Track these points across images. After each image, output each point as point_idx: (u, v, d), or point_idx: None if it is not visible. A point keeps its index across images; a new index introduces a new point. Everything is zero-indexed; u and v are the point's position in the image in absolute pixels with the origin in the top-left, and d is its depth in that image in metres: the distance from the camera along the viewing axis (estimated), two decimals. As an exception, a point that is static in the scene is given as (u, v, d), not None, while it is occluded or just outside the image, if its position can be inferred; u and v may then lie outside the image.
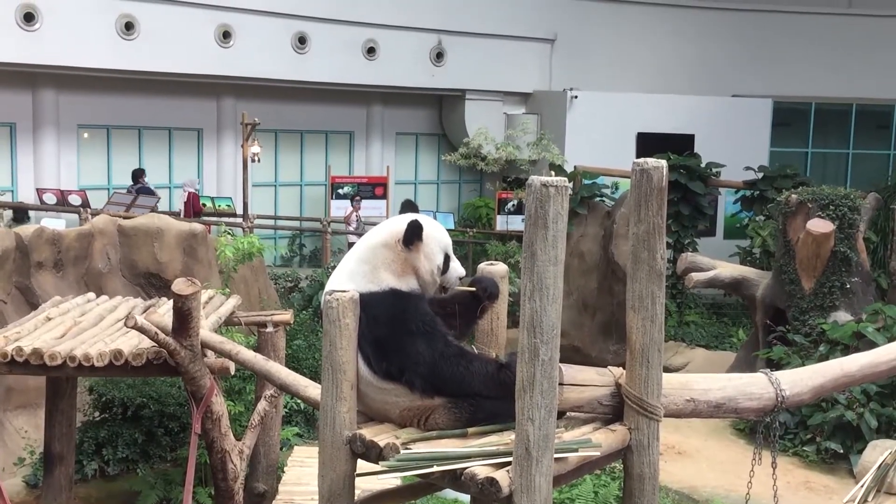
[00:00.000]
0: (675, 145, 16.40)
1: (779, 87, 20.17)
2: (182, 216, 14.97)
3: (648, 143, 17.61)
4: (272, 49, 16.78)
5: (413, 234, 3.50)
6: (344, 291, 3.37)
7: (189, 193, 16.31)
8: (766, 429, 3.93)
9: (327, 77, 17.50)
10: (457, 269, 3.65)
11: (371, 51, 17.99)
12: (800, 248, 11.03)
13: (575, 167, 15.50)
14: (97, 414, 9.60)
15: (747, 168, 15.99)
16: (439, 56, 18.78)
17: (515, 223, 17.15)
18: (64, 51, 14.67)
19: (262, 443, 8.54)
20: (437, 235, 3.60)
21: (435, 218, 16.73)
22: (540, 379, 2.96)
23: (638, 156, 14.28)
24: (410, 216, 3.59)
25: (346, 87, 18.14)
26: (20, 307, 9.65)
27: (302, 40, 17.22)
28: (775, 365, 10.08)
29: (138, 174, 16.22)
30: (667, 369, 3.59)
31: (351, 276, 3.48)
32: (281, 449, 9.18)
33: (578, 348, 13.51)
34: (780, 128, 20.51)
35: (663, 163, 3.30)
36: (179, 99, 16.96)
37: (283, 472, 8.10)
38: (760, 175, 15.81)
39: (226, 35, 16.36)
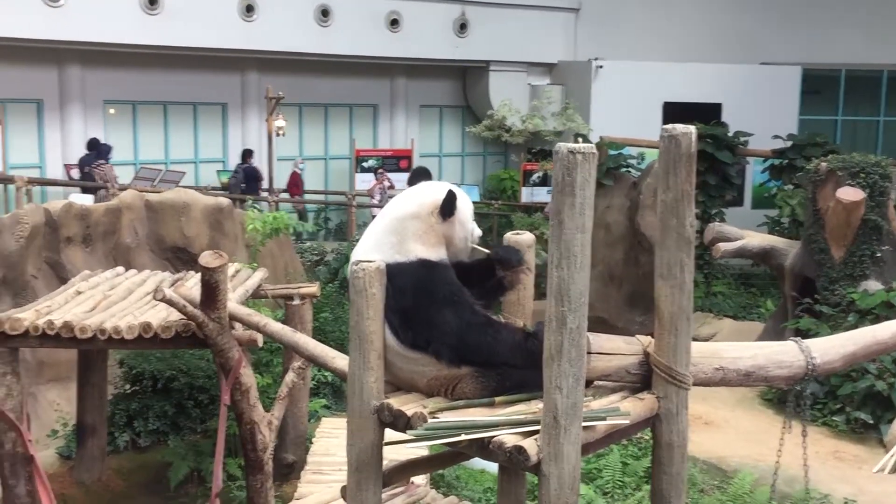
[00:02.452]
0: (702, 114, 16.17)
1: (808, 53, 19.83)
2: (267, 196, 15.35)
3: (675, 113, 17.38)
4: (295, 22, 16.75)
5: (451, 205, 3.50)
6: (370, 262, 3.36)
7: (293, 172, 16.52)
8: (795, 398, 3.89)
9: (351, 50, 17.45)
10: (477, 230, 3.67)
11: (394, 23, 17.89)
12: (829, 216, 10.89)
13: (601, 138, 15.38)
14: (128, 386, 9.71)
15: (776, 137, 15.79)
16: (463, 27, 18.65)
17: (541, 195, 17.08)
18: (89, 27, 14.72)
19: (291, 414, 8.62)
20: (466, 201, 3.60)
21: (460, 190, 16.69)
22: (567, 347, 2.94)
23: (664, 125, 14.07)
24: (436, 185, 3.57)
25: (370, 60, 18.08)
26: (50, 282, 9.76)
27: (325, 13, 17.16)
28: (804, 335, 9.99)
29: (247, 154, 16.31)
30: (694, 339, 3.57)
31: (378, 247, 3.46)
32: (309, 420, 9.26)
33: (604, 319, 13.47)
34: (810, 95, 20.20)
35: (692, 129, 3.25)
36: (204, 74, 16.99)
37: (312, 442, 8.16)
38: (789, 144, 15.60)
39: (249, 9, 16.34)
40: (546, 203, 15.64)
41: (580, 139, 14.84)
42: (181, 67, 16.70)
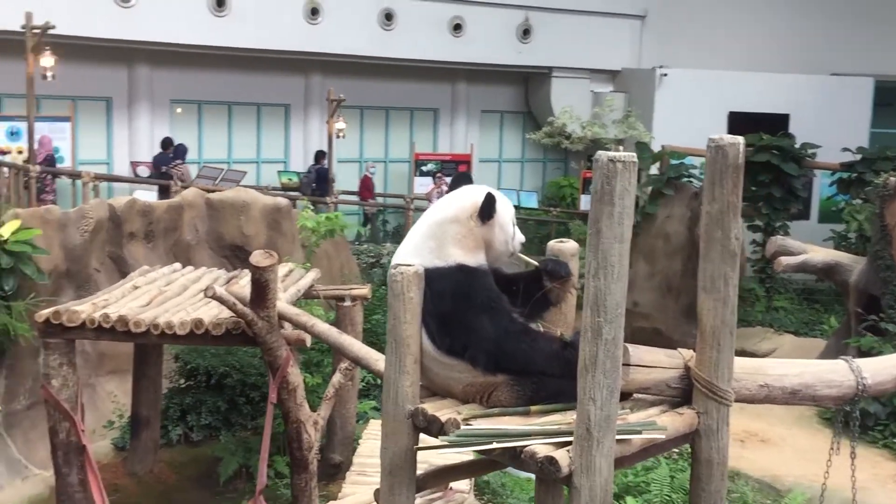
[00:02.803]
0: (768, 125, 15.89)
1: (881, 64, 19.26)
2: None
3: (740, 123, 17.09)
4: (359, 26, 16.90)
5: (490, 208, 3.46)
6: (409, 265, 3.35)
7: (365, 175, 16.76)
8: (844, 418, 3.77)
9: (413, 54, 17.53)
10: (520, 235, 3.61)
11: (457, 27, 17.93)
12: (897, 233, 10.57)
13: (662, 147, 15.18)
14: (182, 381, 9.89)
15: (845, 149, 15.39)
16: (526, 33, 18.59)
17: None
18: (158, 28, 15.07)
19: (339, 415, 8.68)
20: (506, 205, 3.56)
21: (518, 197, 16.65)
22: (602, 358, 2.89)
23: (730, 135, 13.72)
24: (475, 189, 3.54)
25: (432, 64, 18.14)
26: (112, 276, 9.98)
27: (389, 17, 17.28)
28: (866, 354, 9.70)
29: (320, 156, 16.61)
30: (753, 355, 3.49)
31: (417, 252, 3.45)
32: (357, 422, 9.31)
33: (661, 331, 13.28)
34: (882, 108, 19.63)
35: (740, 139, 3.18)
36: (268, 75, 17.24)
37: (359, 444, 8.20)
38: (859, 157, 15.17)
39: (314, 12, 16.54)
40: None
41: (620, 147, 14.67)
42: (246, 68, 16.97)
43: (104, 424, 9.60)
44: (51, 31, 12.26)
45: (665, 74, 18.18)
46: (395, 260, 3.46)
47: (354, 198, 17.98)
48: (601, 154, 2.82)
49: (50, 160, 13.43)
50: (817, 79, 18.77)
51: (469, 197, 3.49)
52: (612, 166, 2.80)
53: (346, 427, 8.89)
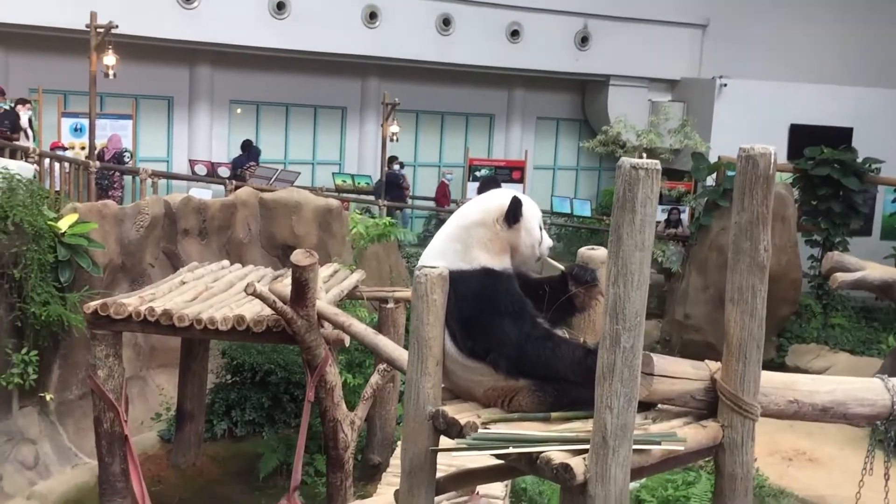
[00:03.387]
0: (830, 138, 15.56)
1: (950, 79, 18.75)
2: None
3: (802, 136, 16.78)
4: (417, 30, 16.98)
5: (516, 212, 3.46)
6: (433, 268, 3.36)
7: (442, 182, 17.05)
8: (878, 438, 3.68)
9: (470, 59, 17.54)
10: (547, 239, 3.60)
11: (515, 34, 17.91)
12: (958, 251, 10.26)
13: (719, 157, 14.96)
14: (228, 377, 10.03)
15: (910, 165, 15.01)
16: (584, 40, 18.49)
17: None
18: (220, 29, 15.34)
19: (379, 416, 8.73)
20: (533, 209, 3.55)
21: (571, 205, 16.46)
22: (620, 367, 2.86)
23: (790, 148, 13.58)
24: (502, 192, 3.53)
25: (489, 70, 18.13)
26: (166, 271, 10.19)
27: (447, 22, 17.33)
28: (922, 375, 9.42)
29: (392, 160, 16.91)
30: (806, 373, 3.41)
31: (442, 254, 3.45)
32: (397, 423, 9.34)
33: (712, 344, 13.06)
34: (951, 123, 19.06)
35: (772, 149, 3.12)
36: (325, 78, 17.42)
37: (398, 445, 8.23)
38: (924, 172, 14.79)
39: (372, 16, 16.68)
40: (657, 222, 15.31)
41: (643, 154, 14.45)
42: (304, 71, 17.18)
43: (152, 416, 9.80)
44: (114, 31, 12.57)
45: (725, 85, 17.91)
46: (420, 262, 3.48)
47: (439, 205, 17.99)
48: (624, 160, 2.80)
49: (118, 158, 13.79)
50: (883, 92, 18.32)
51: (495, 200, 3.49)
52: (634, 173, 2.77)
53: (385, 428, 8.93)
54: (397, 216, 16.31)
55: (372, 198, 16.22)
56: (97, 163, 12.80)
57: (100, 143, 13.70)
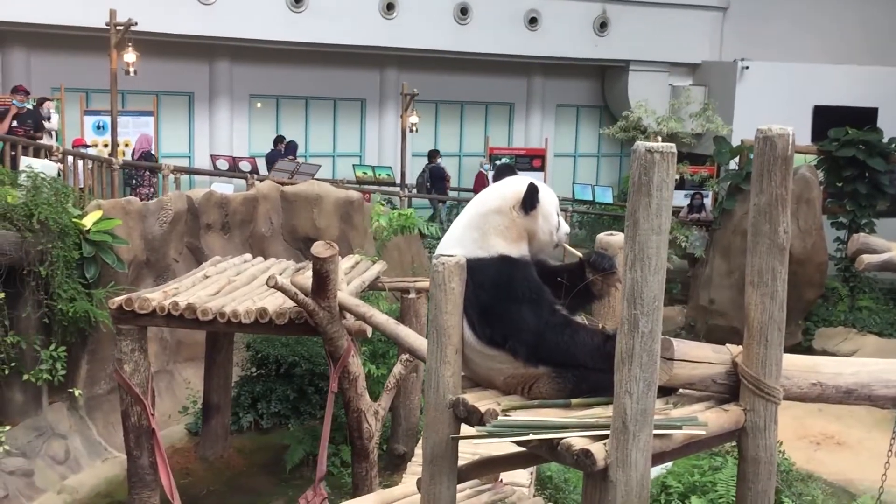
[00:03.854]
0: (855, 119, 15.38)
1: (977, 56, 18.43)
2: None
3: (826, 117, 16.60)
4: (435, 20, 16.94)
5: (533, 198, 3.45)
6: (451, 256, 3.36)
7: (480, 172, 17.17)
8: (904, 420, 3.64)
9: (489, 48, 17.47)
10: (565, 225, 3.59)
11: (533, 21, 17.81)
12: None
13: (742, 141, 14.83)
14: (254, 370, 10.11)
15: (936, 144, 14.80)
16: (603, 26, 18.36)
17: (677, 198, 16.60)
18: (238, 24, 15.39)
19: (403, 406, 8.76)
20: (550, 195, 3.54)
21: (593, 192, 16.38)
22: (639, 352, 2.85)
23: (814, 130, 13.40)
24: (518, 179, 3.52)
25: (507, 59, 18.06)
26: (190, 266, 10.28)
27: (464, 11, 17.28)
28: (951, 356, 9.32)
29: (433, 154, 16.99)
30: (834, 356, 3.38)
31: (459, 242, 3.45)
32: (421, 413, 9.36)
33: (737, 329, 12.95)
34: (978, 101, 18.75)
35: (790, 129, 3.09)
36: (344, 70, 17.43)
37: (422, 435, 8.26)
38: (950, 152, 14.58)
39: (389, 7, 16.66)
40: (680, 207, 15.21)
41: (659, 138, 14.32)
42: (323, 63, 17.19)
43: (179, 410, 9.89)
44: (134, 28, 12.63)
45: (747, 67, 17.73)
46: (438, 250, 3.48)
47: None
48: (639, 144, 2.78)
49: (147, 156, 13.92)
50: (908, 71, 18.06)
51: (512, 188, 3.48)
52: (649, 157, 2.76)
53: (410, 418, 8.96)
54: (440, 209, 16.39)
55: (395, 189, 16.24)
56: (120, 160, 12.90)
57: (122, 139, 13.81)
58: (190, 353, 10.55)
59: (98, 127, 14.28)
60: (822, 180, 14.43)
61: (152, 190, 13.40)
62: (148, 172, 13.53)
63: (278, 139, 16.27)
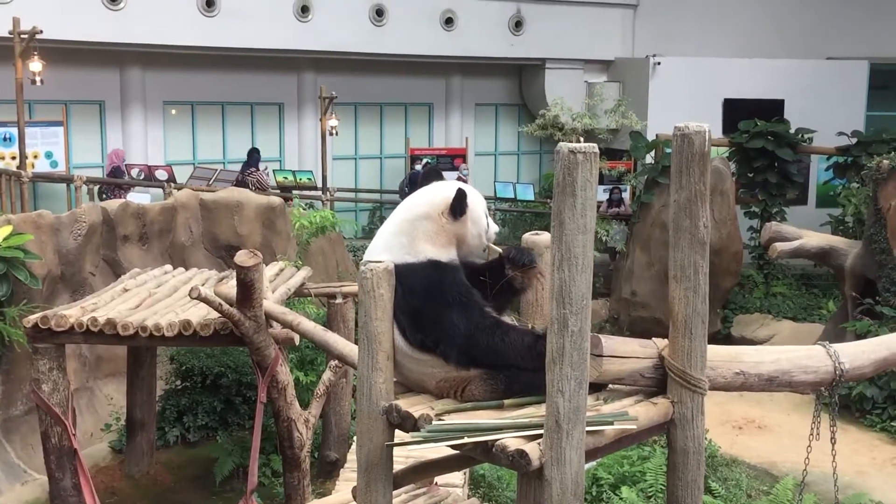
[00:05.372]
0: (763, 111, 15.85)
1: (876, 48, 19.15)
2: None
3: (735, 110, 17.05)
4: (350, 22, 16.85)
5: (462, 204, 3.46)
6: (379, 262, 3.34)
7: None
8: (823, 403, 3.78)
9: (405, 49, 17.46)
10: (494, 226, 3.63)
11: (449, 21, 17.88)
12: (891, 215, 10.57)
13: (657, 135, 15.15)
14: (178, 382, 9.90)
15: (840, 133, 15.35)
16: (518, 25, 18.54)
17: (597, 193, 16.85)
18: (148, 29, 15.02)
19: (334, 412, 8.69)
20: (478, 199, 3.56)
21: (515, 189, 16.53)
22: (570, 350, 2.88)
23: (725, 122, 13.79)
24: (446, 185, 3.53)
25: (425, 59, 18.08)
26: (108, 279, 9.99)
27: (379, 12, 17.24)
28: (862, 337, 9.69)
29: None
30: (751, 342, 3.48)
31: (388, 248, 3.44)
32: (352, 419, 9.31)
33: (660, 320, 13.26)
34: (878, 91, 19.54)
35: (706, 127, 3.17)
36: (261, 74, 17.21)
37: (353, 441, 8.21)
38: (854, 141, 15.14)
39: (304, 9, 16.50)
40: (600, 202, 15.47)
41: (581, 139, 14.62)
42: (239, 68, 16.94)
43: (101, 427, 9.63)
44: (39, 36, 12.24)
45: (658, 63, 18.11)
46: (365, 256, 3.46)
47: (351, 194, 17.94)
48: (562, 145, 2.81)
49: (115, 171, 13.53)
50: (812, 63, 18.69)
51: (440, 194, 3.48)
52: (573, 157, 2.79)
53: (341, 424, 8.90)
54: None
55: (317, 193, 16.12)
56: (30, 172, 12.50)
57: (31, 151, 13.37)
58: (111, 368, 10.27)
59: (4, 139, 13.81)
60: (734, 171, 14.84)
61: None
62: (120, 188, 13.26)
63: (251, 151, 16.07)
